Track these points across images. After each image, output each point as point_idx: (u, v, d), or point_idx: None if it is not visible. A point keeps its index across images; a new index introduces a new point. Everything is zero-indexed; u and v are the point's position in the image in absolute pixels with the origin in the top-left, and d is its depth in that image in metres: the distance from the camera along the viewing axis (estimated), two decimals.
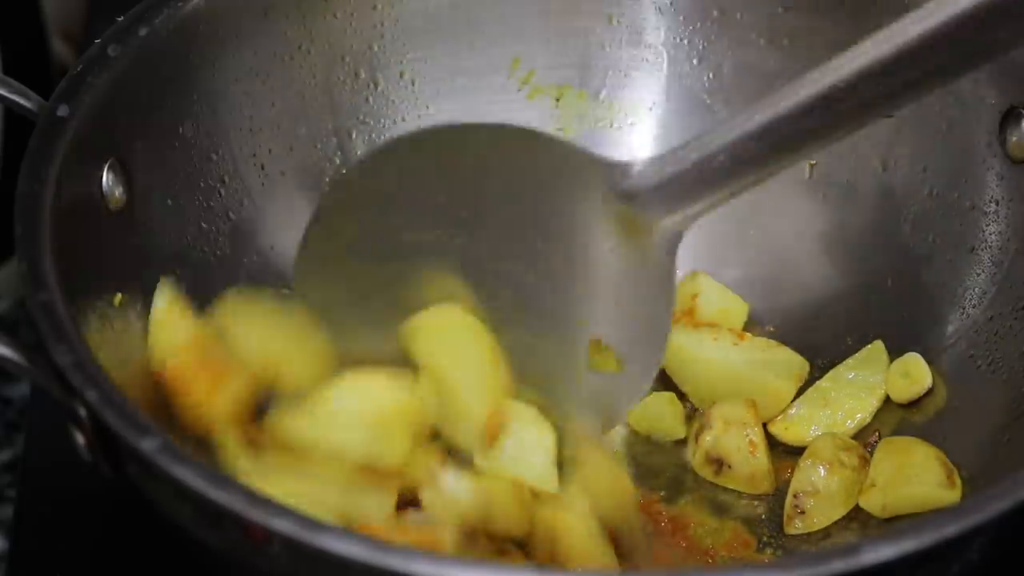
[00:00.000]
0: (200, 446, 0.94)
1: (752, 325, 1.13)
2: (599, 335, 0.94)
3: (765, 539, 1.03)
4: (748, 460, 1.05)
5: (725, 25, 1.15)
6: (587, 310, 0.94)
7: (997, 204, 1.06)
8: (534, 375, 0.93)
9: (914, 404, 1.08)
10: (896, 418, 1.08)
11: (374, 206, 0.96)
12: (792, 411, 1.08)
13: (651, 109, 1.18)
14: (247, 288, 1.03)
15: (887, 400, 1.09)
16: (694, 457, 1.07)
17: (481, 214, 0.93)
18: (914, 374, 1.08)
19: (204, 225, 1.07)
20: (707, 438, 1.06)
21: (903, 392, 1.08)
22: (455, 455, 0.95)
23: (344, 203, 0.98)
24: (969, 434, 1.04)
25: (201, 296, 1.06)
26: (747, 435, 1.05)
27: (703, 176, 0.88)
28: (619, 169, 0.93)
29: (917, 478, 1.01)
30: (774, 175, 0.90)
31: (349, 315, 0.95)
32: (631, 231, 0.90)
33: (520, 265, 0.93)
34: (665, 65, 1.17)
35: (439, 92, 1.16)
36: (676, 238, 0.94)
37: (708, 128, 0.90)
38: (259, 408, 0.97)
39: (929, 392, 1.08)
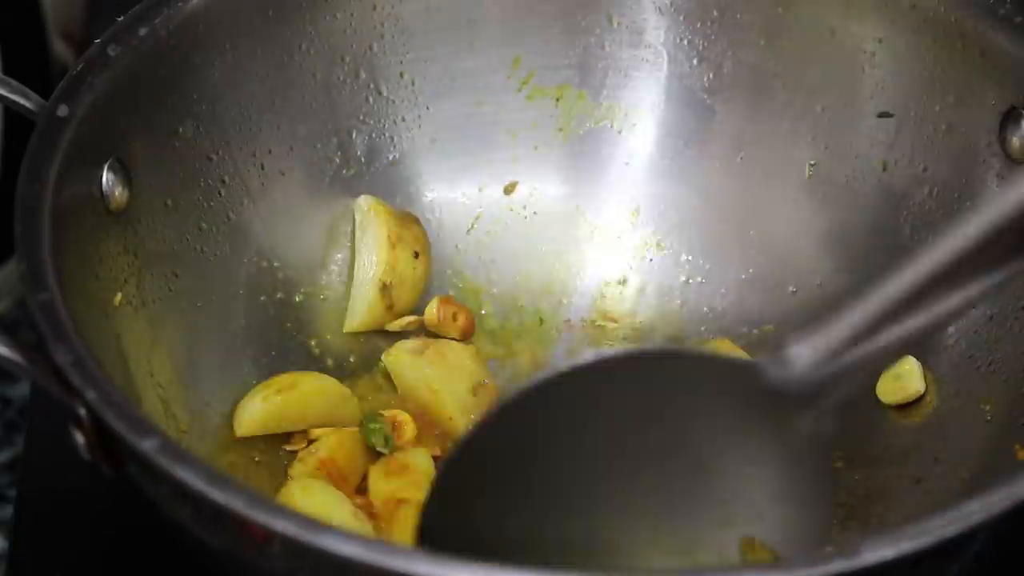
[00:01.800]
0: None
1: (751, 324, 1.14)
2: (751, 534, 0.89)
3: None
4: None
5: (725, 25, 1.14)
6: (736, 511, 0.89)
7: None
8: None
9: (906, 407, 1.08)
10: (887, 419, 1.08)
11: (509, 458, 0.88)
12: None
13: (651, 110, 1.18)
14: None
15: (878, 402, 1.09)
16: None
17: (622, 451, 0.87)
18: (906, 378, 1.08)
19: (204, 225, 1.07)
20: None
21: (893, 395, 1.08)
22: None
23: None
24: (968, 435, 1.04)
25: (200, 296, 1.06)
26: None
27: (859, 352, 0.82)
28: (765, 367, 0.84)
29: None
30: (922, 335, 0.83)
31: None
32: (781, 423, 0.85)
33: (663, 482, 0.88)
34: (665, 65, 1.17)
35: (439, 92, 1.16)
36: (828, 423, 0.87)
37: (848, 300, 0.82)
38: None
39: (921, 397, 1.08)
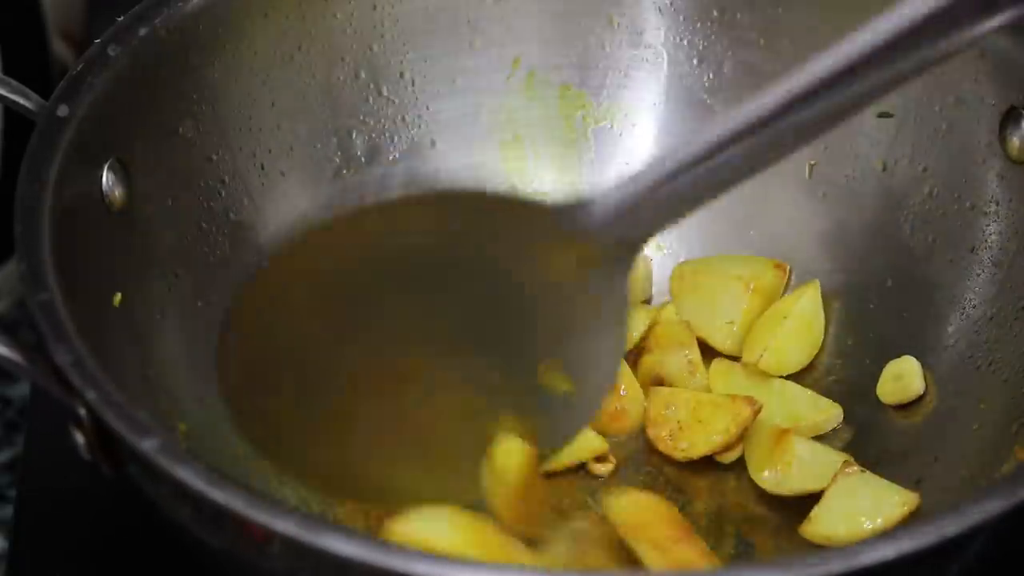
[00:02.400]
0: None
1: None
2: (552, 361, 0.95)
3: None
4: (689, 379, 1.09)
5: (725, 25, 1.15)
6: (541, 340, 0.95)
7: (997, 204, 1.06)
8: (498, 401, 0.95)
9: (906, 407, 1.08)
10: (887, 419, 1.08)
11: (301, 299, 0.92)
12: None
13: (651, 109, 1.18)
14: None
15: (878, 402, 1.09)
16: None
17: (435, 286, 0.92)
18: (906, 378, 1.08)
19: (204, 225, 1.07)
20: (648, 360, 1.10)
21: (893, 395, 1.08)
22: None
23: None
24: (968, 435, 1.04)
25: (201, 296, 1.06)
26: (686, 355, 1.09)
27: (659, 202, 0.88)
28: (572, 210, 0.89)
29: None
30: (728, 189, 0.87)
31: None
32: (586, 263, 0.91)
33: (476, 313, 0.94)
34: (665, 65, 1.17)
35: (439, 92, 1.16)
36: (629, 262, 0.92)
37: (662, 154, 0.88)
38: None
39: (921, 397, 1.08)
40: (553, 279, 0.91)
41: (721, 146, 0.84)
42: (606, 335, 0.93)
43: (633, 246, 0.90)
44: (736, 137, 0.83)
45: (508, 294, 0.92)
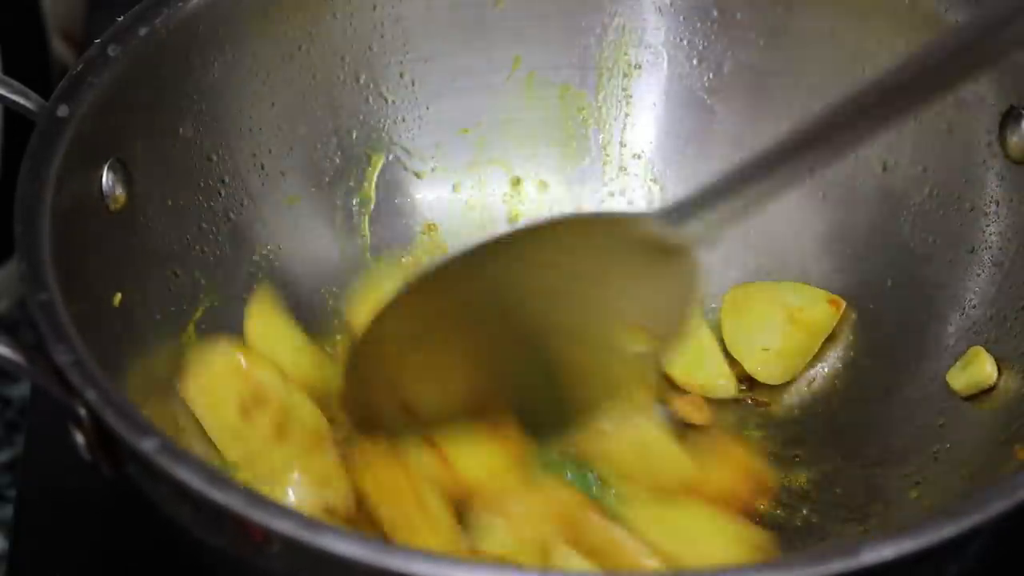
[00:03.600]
0: None
1: None
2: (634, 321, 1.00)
3: None
4: None
5: (725, 25, 1.15)
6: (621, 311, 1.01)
7: (997, 204, 1.06)
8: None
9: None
10: (887, 419, 1.08)
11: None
12: None
13: (651, 109, 1.18)
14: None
15: (878, 402, 1.09)
16: None
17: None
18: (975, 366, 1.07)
19: (204, 225, 1.07)
20: None
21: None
22: None
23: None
24: (968, 435, 1.04)
25: (200, 297, 1.06)
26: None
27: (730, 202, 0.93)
28: (650, 219, 0.96)
29: None
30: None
31: None
32: (663, 255, 0.96)
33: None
34: (665, 65, 1.17)
35: (439, 93, 1.16)
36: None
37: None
38: None
39: None
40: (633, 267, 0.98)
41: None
42: (681, 299, 0.99)
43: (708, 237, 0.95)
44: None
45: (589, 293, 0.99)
